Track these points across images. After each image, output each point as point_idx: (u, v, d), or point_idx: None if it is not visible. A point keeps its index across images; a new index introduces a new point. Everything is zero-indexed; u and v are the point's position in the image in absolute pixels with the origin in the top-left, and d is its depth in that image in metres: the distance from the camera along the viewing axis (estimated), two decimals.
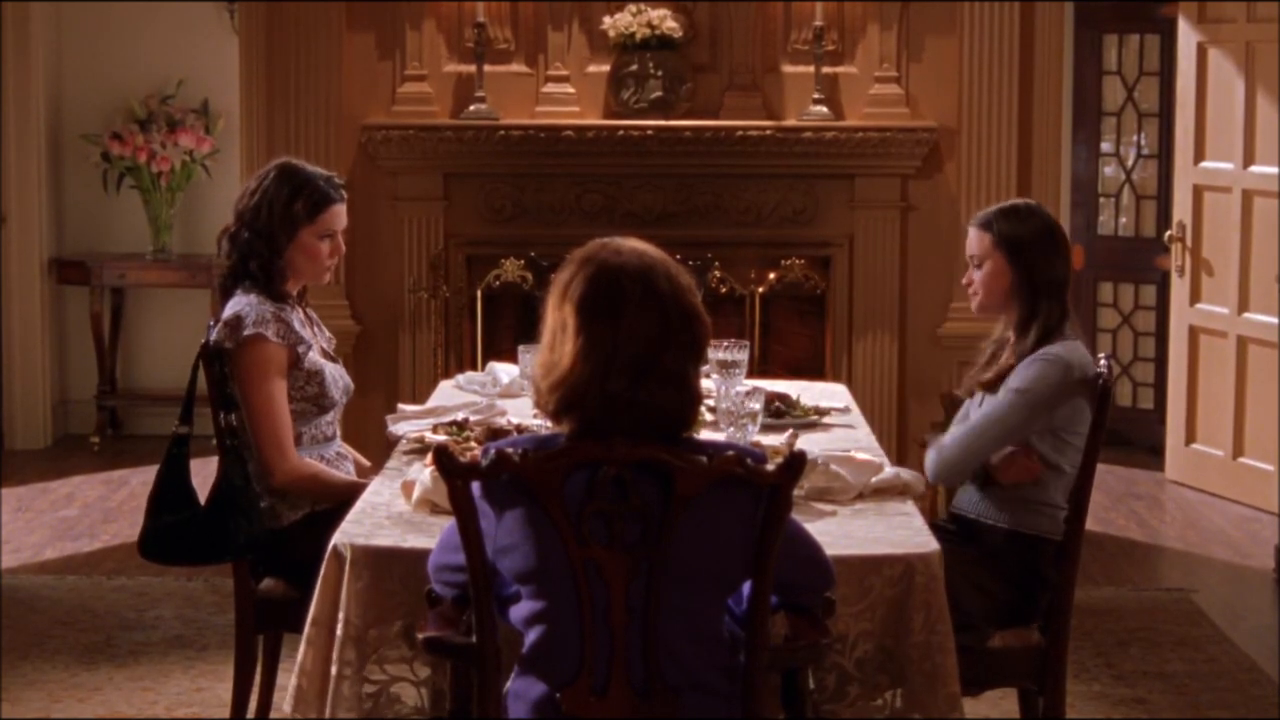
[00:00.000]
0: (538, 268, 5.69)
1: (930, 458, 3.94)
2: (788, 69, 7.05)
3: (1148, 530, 6.82)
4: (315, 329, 4.39)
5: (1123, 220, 8.37)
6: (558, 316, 2.90)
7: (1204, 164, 7.35)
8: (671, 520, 2.80)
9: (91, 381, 8.12)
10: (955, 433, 3.93)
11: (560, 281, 2.92)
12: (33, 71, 7.92)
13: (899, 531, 3.51)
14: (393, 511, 3.60)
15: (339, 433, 4.36)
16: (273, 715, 4.33)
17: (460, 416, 4.28)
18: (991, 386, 3.97)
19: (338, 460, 4.29)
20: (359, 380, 5.05)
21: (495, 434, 3.91)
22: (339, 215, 4.31)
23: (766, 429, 4.18)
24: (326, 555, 3.37)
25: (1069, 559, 3.85)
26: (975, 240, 4.05)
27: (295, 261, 4.26)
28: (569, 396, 2.86)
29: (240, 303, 4.17)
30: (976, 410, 4.01)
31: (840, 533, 3.47)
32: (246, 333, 4.09)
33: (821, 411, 4.60)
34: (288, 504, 4.13)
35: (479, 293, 7.01)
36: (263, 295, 4.19)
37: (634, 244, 2.95)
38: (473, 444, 3.92)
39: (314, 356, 4.21)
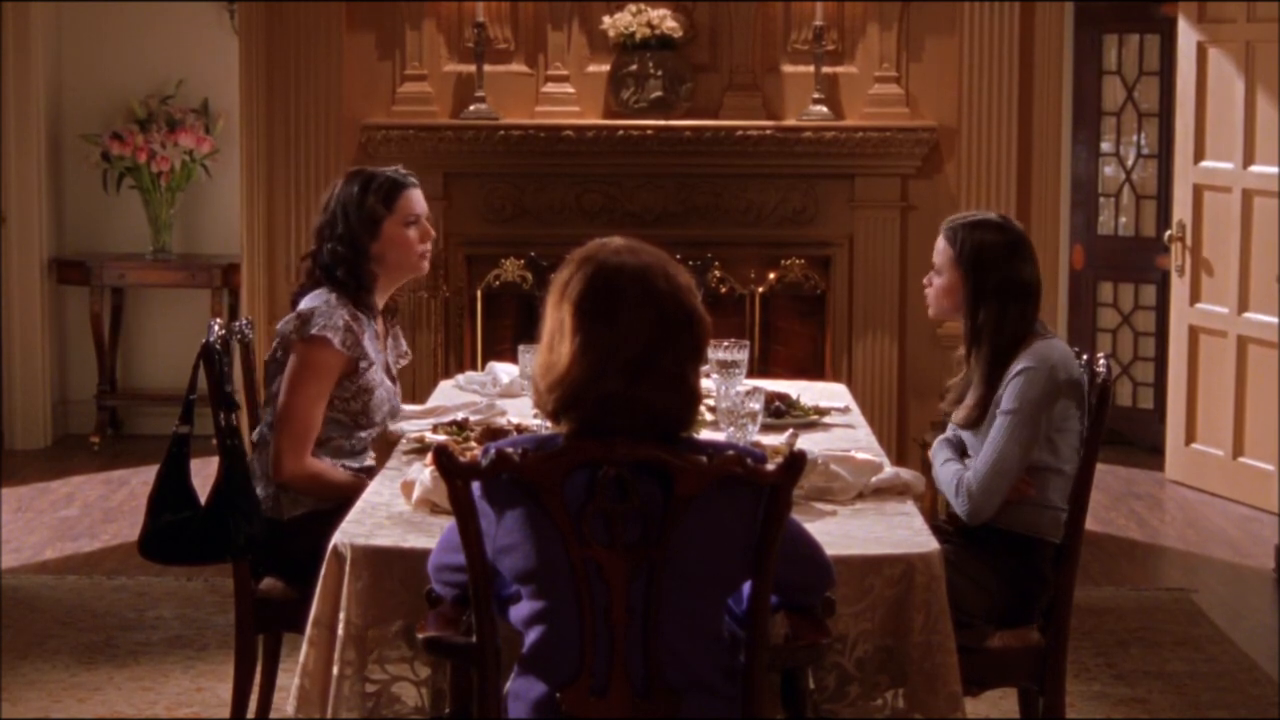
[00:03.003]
0: (538, 267, 5.69)
1: (960, 505, 3.90)
2: (788, 69, 7.05)
3: (1148, 530, 6.82)
4: (390, 341, 4.37)
5: (1122, 220, 8.37)
6: (556, 317, 2.91)
7: (1204, 163, 7.36)
8: (672, 520, 2.80)
9: (91, 381, 8.12)
10: (977, 471, 3.89)
11: (559, 281, 2.93)
12: (33, 71, 7.92)
13: (899, 531, 3.51)
14: (393, 511, 3.60)
15: (370, 449, 4.35)
16: (273, 715, 4.33)
17: (460, 416, 4.28)
18: (975, 423, 3.95)
19: (361, 473, 4.27)
20: None
21: (495, 434, 3.91)
22: (416, 199, 4.29)
23: (766, 429, 4.18)
24: (327, 555, 3.37)
25: (1069, 559, 3.85)
26: (941, 249, 4.05)
27: (388, 258, 4.23)
28: (566, 396, 2.87)
29: (319, 298, 4.16)
30: (970, 437, 4.00)
31: (840, 533, 3.47)
32: (313, 331, 4.08)
33: (821, 411, 4.60)
34: (289, 498, 4.13)
35: (479, 292, 7.01)
36: (344, 299, 4.17)
37: (633, 244, 2.95)
38: (473, 444, 3.92)
39: (371, 375, 4.18)
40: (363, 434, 4.27)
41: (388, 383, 4.30)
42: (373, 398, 4.20)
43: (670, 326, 2.87)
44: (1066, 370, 3.89)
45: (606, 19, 6.94)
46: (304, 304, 4.17)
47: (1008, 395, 3.87)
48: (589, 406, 2.85)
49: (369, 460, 4.34)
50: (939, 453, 4.07)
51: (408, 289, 6.99)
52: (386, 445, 4.28)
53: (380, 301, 4.32)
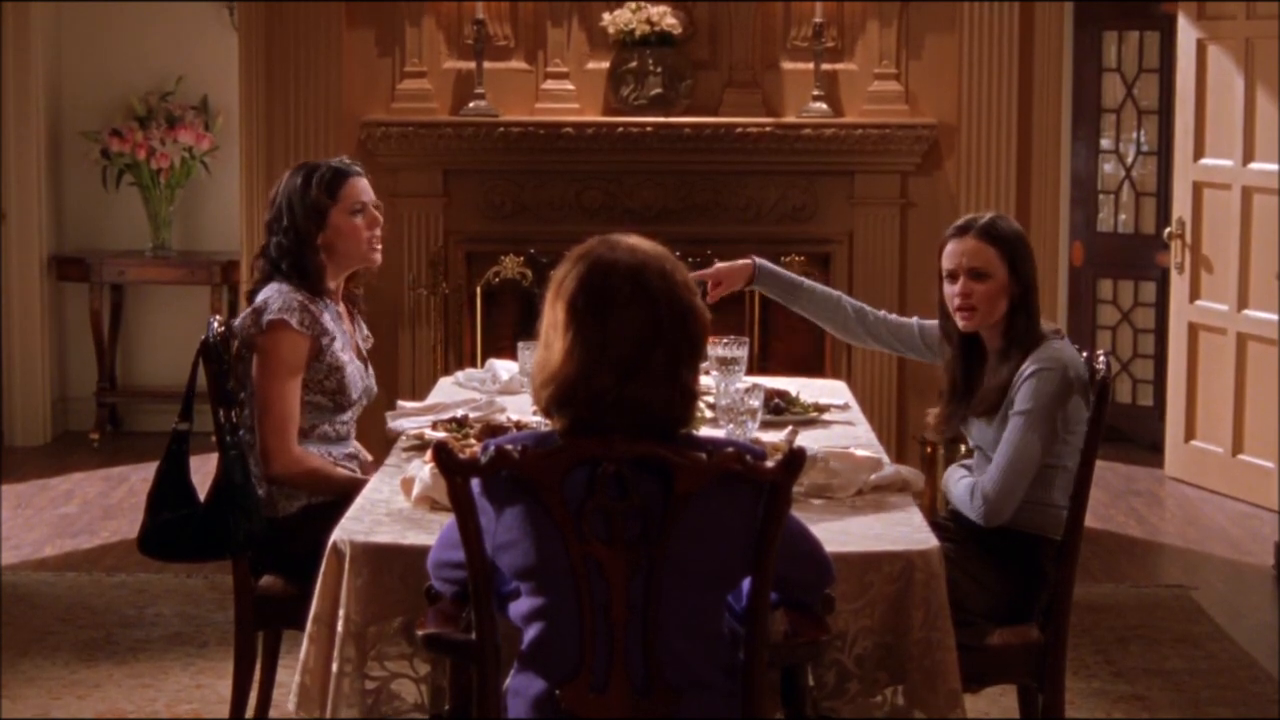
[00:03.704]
0: (537, 264, 5.70)
1: (976, 509, 3.87)
2: (787, 66, 7.05)
3: (1147, 527, 6.82)
4: (355, 324, 4.38)
5: (1122, 217, 8.37)
6: (552, 314, 2.91)
7: (1203, 161, 7.36)
8: (671, 517, 2.80)
9: (91, 378, 8.12)
10: (992, 474, 3.88)
11: (556, 278, 2.93)
12: (32, 68, 7.92)
13: (899, 528, 3.51)
14: (392, 508, 3.60)
15: (354, 433, 4.35)
16: (272, 712, 4.33)
17: (460, 413, 4.28)
18: (989, 412, 3.95)
19: (347, 461, 4.27)
20: None
21: (494, 431, 3.91)
22: (362, 187, 4.29)
23: (766, 426, 4.18)
24: (326, 552, 3.37)
25: (1068, 556, 3.85)
26: (976, 252, 3.97)
27: (336, 248, 4.24)
28: (558, 394, 2.87)
29: (270, 290, 4.17)
30: (981, 432, 4.00)
31: (840, 529, 3.46)
32: (269, 318, 4.09)
33: (821, 408, 4.59)
34: (284, 494, 4.13)
35: (478, 289, 7.01)
36: (296, 287, 4.17)
37: (632, 240, 2.95)
38: (472, 441, 3.92)
39: (338, 352, 4.19)
40: (344, 416, 4.27)
41: (357, 361, 4.31)
42: (345, 375, 4.21)
43: (664, 324, 2.86)
44: (1076, 369, 3.89)
45: (606, 16, 6.94)
46: (258, 298, 4.18)
47: (1021, 396, 3.86)
48: (581, 404, 2.85)
49: (353, 445, 4.34)
50: (952, 474, 4.06)
51: (406, 285, 7.02)
52: (386, 442, 4.28)
53: (335, 289, 4.31)
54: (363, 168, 4.38)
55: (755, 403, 4.00)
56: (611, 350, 2.84)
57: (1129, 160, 8.30)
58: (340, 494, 3.91)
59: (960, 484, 3.97)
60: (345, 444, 4.31)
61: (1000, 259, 3.96)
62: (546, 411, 2.91)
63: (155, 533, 4.04)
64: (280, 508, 4.13)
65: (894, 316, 4.53)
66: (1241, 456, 7.17)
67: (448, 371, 6.15)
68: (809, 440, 4.05)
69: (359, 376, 4.29)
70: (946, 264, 4.03)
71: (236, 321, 4.17)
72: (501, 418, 4.23)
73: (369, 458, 4.41)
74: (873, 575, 3.33)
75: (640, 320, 2.85)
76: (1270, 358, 6.94)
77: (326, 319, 4.18)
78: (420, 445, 4.07)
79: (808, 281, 4.61)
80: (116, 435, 8.16)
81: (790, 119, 6.98)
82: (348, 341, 4.28)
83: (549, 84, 7.04)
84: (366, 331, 4.49)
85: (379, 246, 4.33)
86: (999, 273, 3.96)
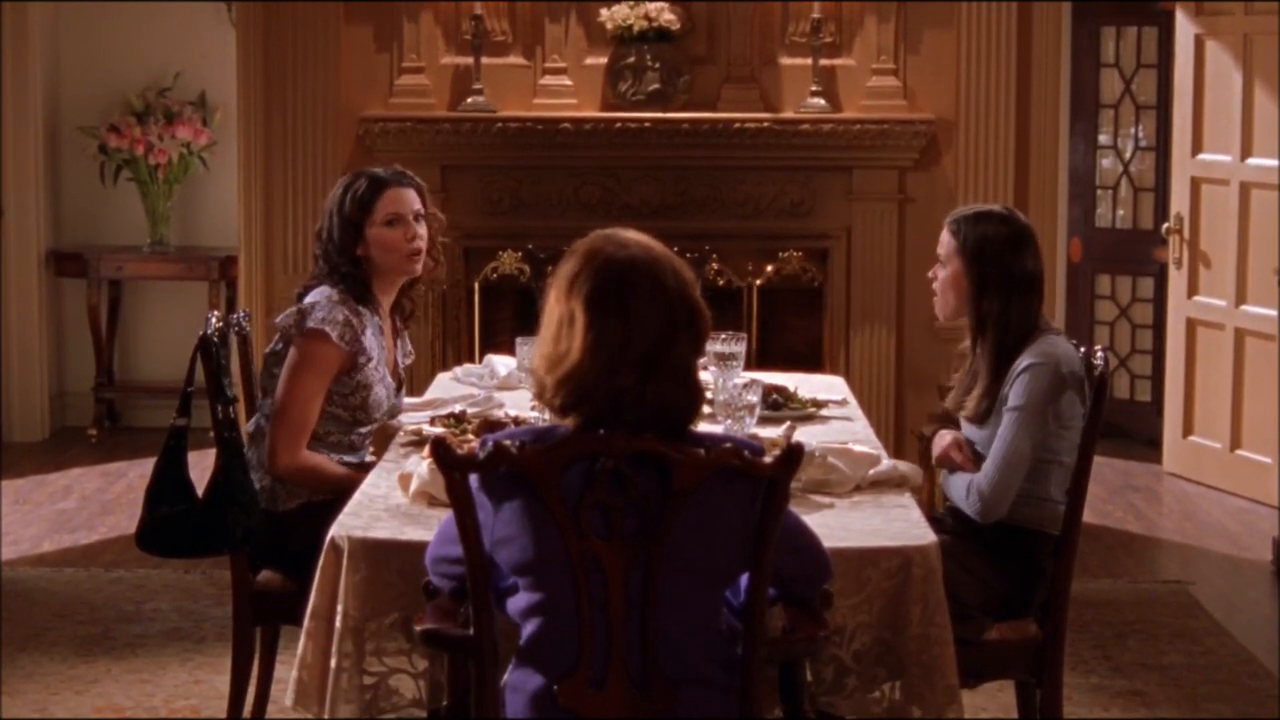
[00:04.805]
0: (535, 260, 5.69)
1: (971, 505, 3.88)
2: (785, 61, 7.05)
3: (1145, 523, 6.82)
4: (397, 341, 4.38)
5: (1120, 213, 8.37)
6: (563, 310, 2.88)
7: (1201, 156, 7.36)
8: (670, 513, 2.80)
9: (89, 374, 8.12)
10: (986, 470, 3.89)
11: (565, 275, 2.90)
12: (30, 64, 7.92)
13: (897, 524, 3.51)
14: (390, 504, 3.60)
15: (368, 444, 4.35)
16: (270, 708, 4.33)
17: (458, 409, 4.28)
18: (983, 417, 3.95)
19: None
20: None
21: (492, 426, 3.91)
22: (397, 199, 4.26)
23: (764, 421, 4.18)
24: (324, 547, 3.37)
25: (1066, 551, 3.85)
26: (944, 241, 4.05)
27: (375, 260, 4.24)
28: (577, 391, 2.85)
29: (320, 294, 4.19)
30: (977, 433, 4.00)
31: (838, 525, 3.46)
32: (310, 324, 4.10)
33: (819, 404, 4.59)
34: (285, 490, 4.14)
35: (476, 285, 7.01)
36: (346, 294, 4.17)
37: (637, 237, 2.95)
38: (470, 436, 3.91)
39: (370, 371, 4.19)
40: (362, 430, 4.28)
41: (389, 380, 4.30)
42: (371, 394, 4.20)
43: (677, 321, 2.87)
44: (1070, 365, 3.89)
45: (604, 11, 6.94)
46: (306, 300, 4.19)
47: (1014, 392, 3.87)
48: (600, 401, 2.84)
49: (368, 457, 4.34)
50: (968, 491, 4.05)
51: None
52: (384, 438, 4.28)
53: (385, 300, 4.32)
54: (408, 176, 4.34)
55: (753, 398, 4.00)
56: (634, 348, 2.83)
57: (1127, 156, 8.30)
58: (339, 493, 3.91)
59: (957, 480, 3.97)
60: (358, 454, 4.31)
61: (957, 251, 4.00)
62: (561, 409, 2.89)
63: (153, 528, 4.03)
64: (280, 503, 4.14)
65: None
66: (1239, 452, 7.17)
67: (446, 367, 6.15)
68: (807, 436, 4.05)
69: (386, 397, 4.28)
70: None
71: (279, 319, 4.17)
72: (499, 413, 4.24)
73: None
74: (871, 571, 3.33)
75: (659, 317, 2.85)
76: (1268, 353, 6.94)
77: (368, 336, 4.18)
78: (418, 441, 4.07)
79: None
80: (114, 431, 8.16)
81: (788, 114, 6.98)
82: (384, 358, 4.28)
83: (547, 79, 7.04)
84: (409, 348, 4.49)
85: (418, 257, 4.31)
86: (952, 262, 4.01)
